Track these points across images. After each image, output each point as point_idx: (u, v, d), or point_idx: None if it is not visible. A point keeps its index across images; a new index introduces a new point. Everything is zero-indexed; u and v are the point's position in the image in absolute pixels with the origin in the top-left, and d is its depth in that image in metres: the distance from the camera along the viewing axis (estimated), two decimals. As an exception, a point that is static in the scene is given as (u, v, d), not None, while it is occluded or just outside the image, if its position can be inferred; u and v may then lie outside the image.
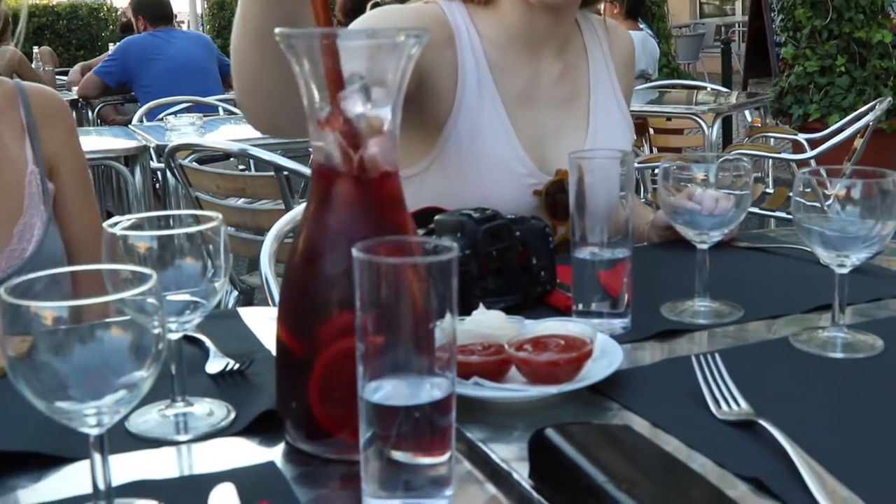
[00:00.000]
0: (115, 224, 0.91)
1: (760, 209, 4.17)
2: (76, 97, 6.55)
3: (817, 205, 1.10)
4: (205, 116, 4.75)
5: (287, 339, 0.86)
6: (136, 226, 0.92)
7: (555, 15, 1.61)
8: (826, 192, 1.10)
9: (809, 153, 4.33)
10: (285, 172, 2.65)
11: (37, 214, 1.61)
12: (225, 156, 4.08)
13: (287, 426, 0.88)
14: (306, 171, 2.69)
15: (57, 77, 8.62)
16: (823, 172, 1.11)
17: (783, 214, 4.16)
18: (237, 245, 3.03)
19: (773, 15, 8.31)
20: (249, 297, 3.73)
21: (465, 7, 1.62)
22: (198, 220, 0.93)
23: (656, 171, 1.36)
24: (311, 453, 0.87)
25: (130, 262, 0.89)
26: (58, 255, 1.63)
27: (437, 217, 1.25)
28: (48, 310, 0.68)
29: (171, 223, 0.94)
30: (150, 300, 0.71)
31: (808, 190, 1.10)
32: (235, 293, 3.19)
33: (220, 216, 0.92)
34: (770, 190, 4.39)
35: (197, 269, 0.91)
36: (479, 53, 1.58)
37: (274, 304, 1.69)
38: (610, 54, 1.75)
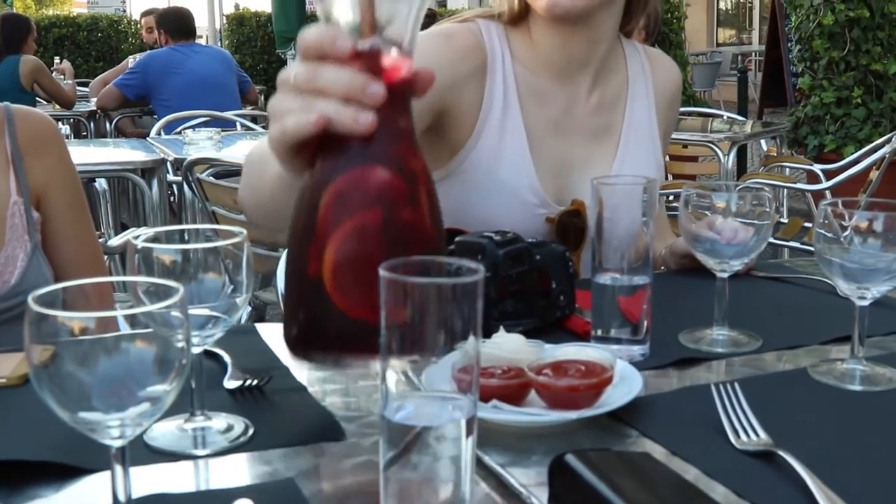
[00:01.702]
0: (138, 237, 0.91)
1: (774, 238, 4.16)
2: (95, 108, 6.59)
3: (839, 237, 1.10)
4: (222, 131, 4.78)
5: (298, 236, 0.85)
6: (157, 239, 0.93)
7: (585, 38, 1.57)
8: (847, 224, 1.10)
9: (825, 184, 4.32)
10: (303, 189, 2.65)
11: (20, 246, 1.59)
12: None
13: (303, 341, 0.86)
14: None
15: (78, 88, 8.68)
16: (844, 205, 1.11)
17: (797, 244, 4.16)
18: (252, 261, 3.04)
19: (789, 45, 8.31)
20: (262, 312, 3.74)
21: (503, 28, 1.59)
22: (219, 234, 0.94)
23: (670, 197, 1.36)
24: (331, 363, 0.88)
25: (153, 275, 0.89)
26: (45, 285, 1.62)
27: (457, 238, 1.25)
28: (76, 320, 0.68)
29: (193, 237, 0.95)
30: (176, 314, 0.71)
31: (830, 222, 1.10)
32: (248, 308, 3.20)
33: (245, 231, 0.93)
34: (784, 220, 4.39)
35: (219, 284, 0.91)
36: (510, 79, 1.56)
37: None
38: (652, 87, 1.70)
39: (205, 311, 0.91)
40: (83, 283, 0.76)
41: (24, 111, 1.68)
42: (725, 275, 1.25)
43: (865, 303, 1.11)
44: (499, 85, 1.55)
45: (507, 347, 1.01)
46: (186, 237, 0.95)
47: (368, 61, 0.83)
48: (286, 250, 0.90)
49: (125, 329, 0.69)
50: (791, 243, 4.17)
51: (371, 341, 0.72)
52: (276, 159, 0.91)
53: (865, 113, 6.39)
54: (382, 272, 0.69)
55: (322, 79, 0.83)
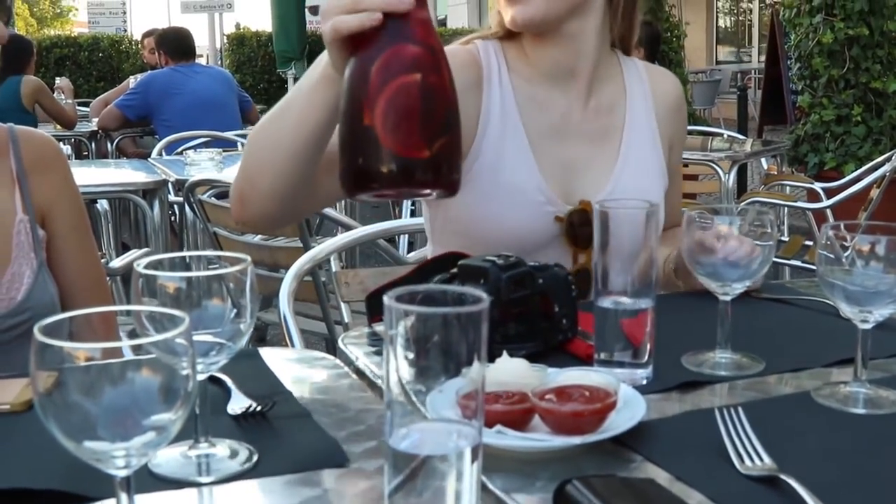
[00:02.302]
0: (142, 264, 0.91)
1: (775, 257, 4.16)
2: (96, 128, 6.61)
3: (841, 260, 1.10)
4: (224, 151, 4.79)
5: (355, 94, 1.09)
6: (161, 265, 0.93)
7: (569, 49, 1.65)
8: (849, 246, 1.10)
9: (825, 202, 4.33)
10: (304, 210, 2.66)
11: (26, 263, 1.61)
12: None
13: (361, 178, 1.09)
14: (325, 210, 2.70)
15: (78, 108, 8.70)
16: (847, 228, 1.11)
17: (798, 263, 4.16)
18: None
19: (789, 63, 8.33)
20: (263, 333, 3.73)
21: (500, 45, 1.69)
22: (223, 260, 0.94)
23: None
24: (383, 194, 1.10)
25: (157, 302, 0.89)
26: (50, 302, 1.63)
27: (460, 262, 1.25)
28: (81, 350, 0.69)
29: (196, 263, 0.95)
30: (181, 341, 0.71)
31: (832, 244, 1.10)
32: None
33: (249, 258, 0.93)
34: (785, 238, 4.38)
35: (224, 310, 0.92)
36: (508, 90, 1.65)
37: (293, 346, 1.70)
38: (651, 95, 1.76)
39: (209, 338, 0.92)
40: (89, 312, 0.76)
41: (28, 132, 1.70)
42: (728, 298, 1.25)
43: (868, 326, 1.12)
44: (496, 95, 1.64)
45: (511, 372, 1.02)
46: (190, 262, 0.96)
47: None
48: (341, 115, 1.12)
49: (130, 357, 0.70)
50: (792, 261, 4.17)
51: (413, 175, 1.08)
52: (329, 58, 1.21)
53: (865, 131, 6.40)
54: (388, 301, 0.70)
55: None
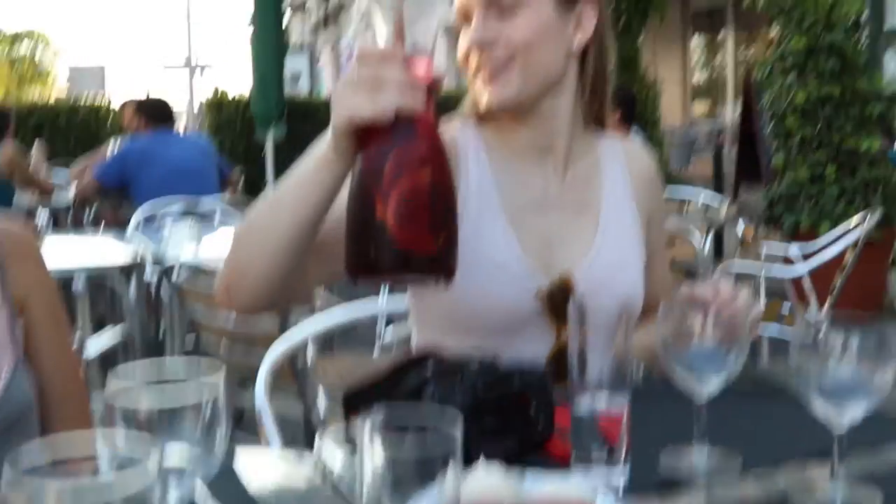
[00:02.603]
0: (114, 387, 0.91)
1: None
2: (74, 196, 6.60)
3: (815, 360, 1.11)
4: (201, 221, 4.79)
5: (363, 195, 1.17)
6: (135, 392, 0.92)
7: (544, 127, 1.69)
8: (823, 346, 1.11)
9: (802, 267, 4.36)
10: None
11: (4, 356, 1.59)
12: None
13: (368, 267, 1.17)
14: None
15: (54, 169, 8.68)
16: (821, 326, 1.12)
17: (776, 335, 4.18)
18: (230, 363, 3.02)
19: (763, 119, 8.42)
20: (239, 417, 3.69)
21: (478, 123, 1.73)
22: (196, 367, 0.94)
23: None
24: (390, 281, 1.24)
25: (128, 425, 0.89)
26: (28, 396, 1.60)
27: (436, 364, 1.25)
28: (53, 491, 0.68)
29: (171, 383, 0.95)
30: (152, 469, 0.71)
31: (806, 345, 1.11)
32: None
33: (223, 368, 0.93)
34: (762, 302, 4.40)
35: (195, 435, 0.91)
36: (485, 168, 1.68)
37: (270, 443, 1.68)
38: (627, 170, 1.79)
39: (182, 462, 0.91)
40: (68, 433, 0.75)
41: (2, 225, 1.69)
42: (704, 396, 1.25)
43: (843, 430, 1.12)
44: (473, 173, 1.67)
45: (486, 485, 1.01)
46: (163, 375, 0.95)
47: (410, 62, 1.19)
48: (351, 204, 1.19)
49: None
50: (770, 326, 4.19)
51: (420, 266, 1.16)
52: (333, 143, 1.26)
53: (839, 190, 6.46)
54: (361, 424, 0.71)
55: (386, 73, 1.18)
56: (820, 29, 6.38)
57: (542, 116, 1.68)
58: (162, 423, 0.89)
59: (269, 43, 9.68)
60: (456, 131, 1.71)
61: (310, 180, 1.34)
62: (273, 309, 1.61)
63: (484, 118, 1.72)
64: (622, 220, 1.74)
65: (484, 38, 1.59)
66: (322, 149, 1.32)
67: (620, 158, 1.79)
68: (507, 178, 1.68)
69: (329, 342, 3.62)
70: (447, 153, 1.62)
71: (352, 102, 1.20)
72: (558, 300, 1.62)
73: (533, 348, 1.61)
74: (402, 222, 1.14)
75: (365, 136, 1.20)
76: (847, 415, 1.12)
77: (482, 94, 1.63)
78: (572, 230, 1.70)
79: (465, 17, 1.62)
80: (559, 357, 1.50)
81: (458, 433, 0.71)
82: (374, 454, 0.75)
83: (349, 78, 1.21)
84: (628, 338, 1.18)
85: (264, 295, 1.41)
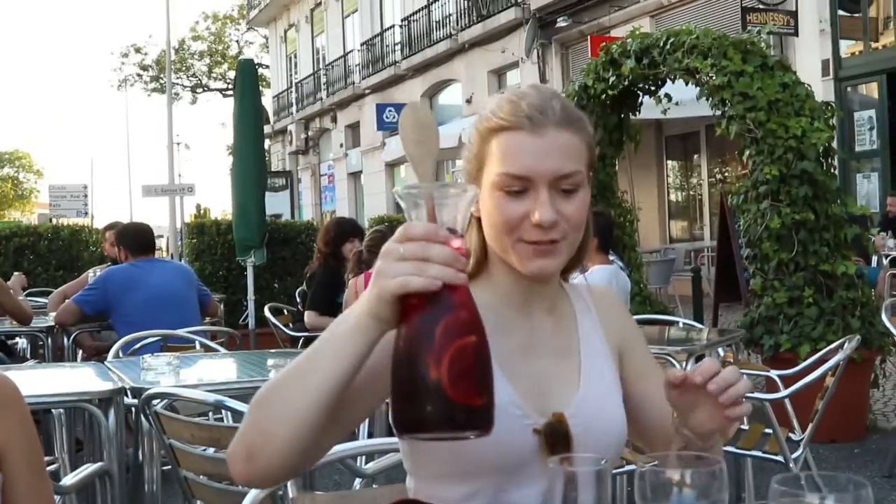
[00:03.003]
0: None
1: (735, 448, 4.17)
2: (53, 323, 6.57)
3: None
4: (181, 349, 4.78)
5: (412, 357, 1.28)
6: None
7: (541, 281, 1.73)
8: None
9: (783, 392, 4.37)
10: (261, 424, 2.64)
11: None
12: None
13: (424, 424, 1.27)
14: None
15: (35, 299, 8.67)
16: (799, 484, 1.12)
17: (759, 454, 4.16)
18: (209, 494, 2.99)
19: (740, 242, 8.53)
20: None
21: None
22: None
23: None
24: (446, 436, 1.28)
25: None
26: None
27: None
28: None
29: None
30: None
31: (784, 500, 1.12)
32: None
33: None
34: (745, 426, 4.40)
35: None
36: None
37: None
38: (595, 313, 1.83)
39: None
40: None
41: None
42: None
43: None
44: None
45: None
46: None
47: (446, 239, 1.32)
48: (403, 366, 1.30)
49: None
50: (753, 453, 4.18)
51: (472, 420, 1.29)
52: (374, 310, 1.35)
53: (818, 312, 6.51)
54: None
55: (432, 252, 1.30)
56: (791, 157, 6.51)
57: (540, 279, 1.72)
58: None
59: (250, 172, 9.83)
60: None
61: (343, 346, 1.39)
62: (284, 481, 1.61)
63: (477, 276, 1.76)
64: (599, 362, 1.78)
65: (553, 219, 1.61)
66: (356, 316, 1.38)
67: (588, 302, 1.85)
68: (495, 327, 1.64)
69: (310, 474, 3.60)
70: None
71: (402, 274, 1.30)
72: (555, 436, 1.64)
73: (528, 490, 1.62)
74: (456, 381, 1.26)
75: (409, 304, 1.32)
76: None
77: (532, 261, 1.66)
78: (558, 374, 1.73)
79: (524, 183, 1.64)
80: None
81: None
82: None
83: (395, 252, 1.32)
84: (609, 488, 1.18)
85: (288, 463, 1.42)
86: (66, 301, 6.29)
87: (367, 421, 4.13)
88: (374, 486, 2.57)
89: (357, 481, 2.70)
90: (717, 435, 1.58)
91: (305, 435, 1.39)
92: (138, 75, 45.03)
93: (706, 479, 1.26)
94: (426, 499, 1.65)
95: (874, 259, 11.01)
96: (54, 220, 16.03)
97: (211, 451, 3.06)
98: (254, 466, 1.42)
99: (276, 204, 20.09)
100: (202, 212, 41.52)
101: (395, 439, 1.80)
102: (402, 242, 1.33)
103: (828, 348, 4.94)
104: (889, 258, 11.24)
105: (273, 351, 5.75)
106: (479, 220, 1.74)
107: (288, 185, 22.59)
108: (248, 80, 10.12)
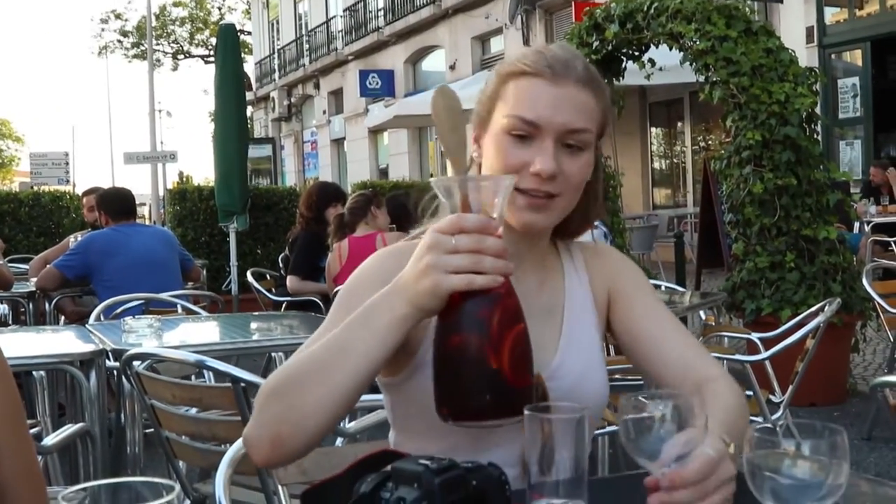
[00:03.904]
0: (73, 496, 0.90)
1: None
2: (34, 288, 6.55)
3: (769, 462, 1.12)
4: (162, 313, 4.77)
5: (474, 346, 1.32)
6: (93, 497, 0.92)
7: (531, 236, 1.71)
8: (777, 449, 1.12)
9: (763, 354, 4.39)
10: (242, 384, 2.64)
11: None
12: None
13: (484, 411, 1.31)
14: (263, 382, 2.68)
15: (17, 265, 8.63)
16: (775, 432, 1.13)
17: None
18: (191, 454, 2.99)
19: (722, 207, 8.53)
20: (202, 501, 3.65)
21: None
22: (153, 489, 0.93)
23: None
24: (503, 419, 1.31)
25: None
26: None
27: (394, 465, 1.25)
28: None
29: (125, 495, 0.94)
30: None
31: (761, 448, 1.12)
32: (188, 502, 3.13)
33: (176, 489, 0.92)
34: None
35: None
36: None
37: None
38: (584, 267, 1.82)
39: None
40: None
41: None
42: None
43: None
44: None
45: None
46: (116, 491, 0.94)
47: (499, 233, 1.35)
48: (458, 357, 1.34)
49: None
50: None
51: (527, 401, 1.29)
52: (421, 302, 1.36)
53: (799, 277, 6.53)
54: None
55: (487, 245, 1.32)
56: (774, 123, 6.51)
57: (531, 232, 1.70)
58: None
59: (232, 138, 9.78)
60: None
61: (383, 338, 1.40)
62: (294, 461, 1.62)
63: None
64: (583, 322, 1.76)
65: (553, 170, 1.60)
66: (395, 308, 1.40)
67: (577, 259, 1.82)
68: None
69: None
70: None
71: (461, 270, 1.32)
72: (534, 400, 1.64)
73: (507, 447, 1.62)
74: (515, 369, 1.31)
75: (458, 295, 1.33)
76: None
77: (522, 214, 1.65)
78: (540, 333, 1.68)
79: (532, 129, 1.63)
80: None
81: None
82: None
83: (447, 244, 1.33)
84: (584, 445, 1.18)
85: (314, 445, 1.46)
86: (48, 266, 6.26)
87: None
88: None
89: (339, 441, 2.71)
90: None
91: (335, 422, 1.44)
92: (119, 42, 44.67)
93: (685, 413, 1.26)
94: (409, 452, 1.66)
95: (856, 226, 11.06)
96: (36, 188, 15.89)
97: (193, 411, 3.06)
98: (280, 452, 1.44)
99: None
100: (184, 179, 41.22)
101: (377, 396, 1.80)
102: (454, 234, 1.33)
103: (808, 311, 4.96)
104: (871, 225, 11.28)
105: (256, 314, 5.74)
106: (479, 166, 1.73)
107: (271, 152, 22.48)
108: (229, 46, 10.07)
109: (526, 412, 1.16)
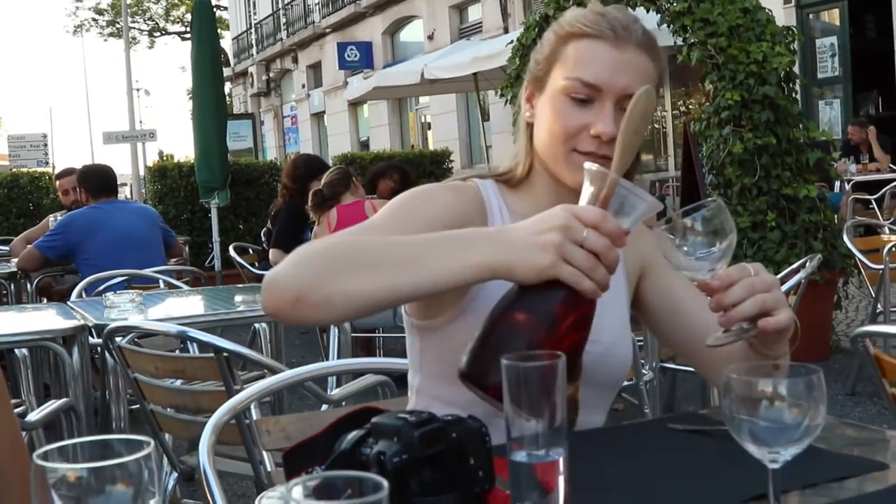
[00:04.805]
0: (44, 455, 0.90)
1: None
2: (15, 270, 6.52)
3: (746, 405, 1.12)
4: (145, 289, 4.75)
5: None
6: (65, 454, 0.92)
7: (570, 199, 1.69)
8: (754, 391, 1.12)
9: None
10: (225, 354, 2.64)
11: None
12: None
13: None
14: (246, 352, 2.68)
15: (-3, 247, 8.58)
16: (749, 373, 1.13)
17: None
18: (176, 426, 2.99)
19: (703, 170, 8.54)
20: (190, 476, 3.66)
21: (497, 186, 1.77)
22: (129, 445, 0.93)
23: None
24: None
25: (59, 492, 0.88)
26: None
27: (373, 420, 1.25)
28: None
29: (99, 450, 0.94)
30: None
31: (738, 391, 1.12)
32: (175, 474, 3.13)
33: (151, 443, 0.92)
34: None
35: (127, 496, 0.90)
36: None
37: (213, 502, 1.67)
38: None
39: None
40: None
41: None
42: (777, 465, 1.15)
43: (777, 465, 1.13)
44: None
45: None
46: (91, 449, 0.94)
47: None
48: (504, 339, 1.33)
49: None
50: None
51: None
52: (509, 269, 1.34)
53: (780, 236, 6.55)
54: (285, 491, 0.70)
55: (610, 256, 1.31)
56: (753, 82, 6.51)
57: (575, 195, 1.69)
58: (90, 487, 0.88)
59: (210, 114, 9.73)
60: (478, 187, 1.75)
61: (464, 268, 1.37)
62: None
63: (507, 181, 1.77)
64: (616, 295, 1.75)
65: (613, 134, 1.59)
66: (494, 254, 1.36)
67: None
68: None
69: (280, 404, 3.61)
70: (477, 207, 1.72)
71: (577, 266, 1.30)
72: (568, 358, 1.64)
73: None
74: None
75: (552, 280, 1.31)
76: (780, 458, 1.13)
77: (576, 171, 1.60)
78: None
79: (593, 92, 1.63)
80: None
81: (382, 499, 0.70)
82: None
83: (577, 233, 1.31)
84: (561, 393, 1.18)
85: (328, 322, 1.47)
86: (29, 247, 6.23)
87: (335, 342, 4.14)
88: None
89: (324, 408, 2.71)
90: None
91: (359, 316, 1.44)
92: (94, 20, 44.28)
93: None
94: (429, 398, 1.69)
95: (836, 184, 11.09)
96: (14, 171, 15.77)
97: (178, 383, 3.06)
98: (295, 311, 1.41)
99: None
100: (164, 158, 41.02)
101: (366, 360, 1.80)
102: (589, 227, 1.31)
103: (789, 268, 4.98)
104: (851, 183, 11.32)
105: (240, 286, 5.73)
106: (530, 126, 1.74)
107: (251, 128, 22.38)
108: (204, 21, 9.98)
109: (503, 361, 1.16)
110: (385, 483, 0.70)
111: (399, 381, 2.05)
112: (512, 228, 1.40)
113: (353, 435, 1.26)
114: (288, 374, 2.05)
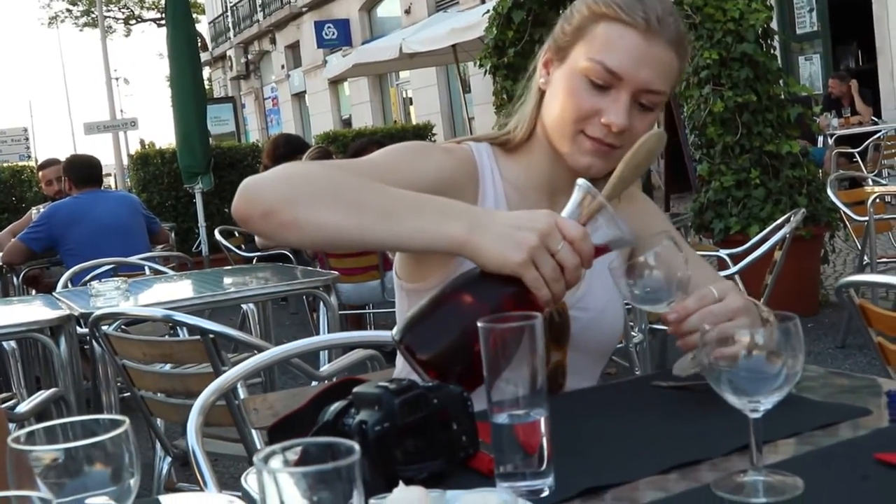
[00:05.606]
0: (20, 437, 0.90)
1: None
2: (1, 263, 6.49)
3: (724, 354, 1.13)
4: (131, 277, 4.73)
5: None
6: (42, 436, 0.92)
7: (567, 174, 1.70)
8: (731, 341, 1.13)
9: (732, 269, 4.42)
10: (211, 335, 2.63)
11: None
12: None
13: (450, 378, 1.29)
14: (233, 333, 2.67)
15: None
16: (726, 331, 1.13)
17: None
18: (167, 411, 2.99)
19: (686, 131, 8.53)
20: (185, 459, 3.66)
21: (492, 149, 1.77)
22: (106, 424, 0.93)
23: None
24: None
25: (37, 472, 0.88)
26: None
27: (355, 390, 1.25)
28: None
29: (77, 431, 0.94)
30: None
31: (714, 341, 1.13)
32: (169, 459, 3.13)
33: (127, 421, 0.92)
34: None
35: (106, 475, 0.90)
36: (501, 195, 1.72)
37: (204, 483, 1.67)
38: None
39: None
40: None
41: None
42: (758, 415, 1.14)
43: (758, 415, 1.13)
44: (490, 196, 1.71)
45: (407, 502, 1.01)
46: (68, 432, 0.94)
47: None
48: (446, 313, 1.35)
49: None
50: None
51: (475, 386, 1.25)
52: (474, 252, 1.34)
53: (765, 193, 6.56)
54: (257, 461, 0.70)
55: (575, 275, 1.33)
56: (731, 40, 6.49)
57: (585, 175, 1.66)
58: (68, 468, 0.88)
59: (190, 100, 9.67)
60: (472, 151, 1.75)
61: (432, 236, 1.38)
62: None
63: (503, 145, 1.77)
64: (604, 265, 1.74)
65: (624, 126, 1.60)
66: (466, 233, 1.36)
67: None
68: (518, 206, 1.70)
69: (271, 382, 3.62)
70: (469, 172, 1.72)
71: (544, 273, 1.31)
72: (554, 326, 1.67)
73: (513, 371, 1.62)
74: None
75: (510, 276, 1.32)
76: (761, 407, 1.13)
77: (584, 157, 1.66)
78: None
79: (613, 80, 1.61)
80: (550, 377, 1.60)
81: (355, 464, 0.70)
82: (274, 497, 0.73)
83: (554, 242, 1.32)
84: (539, 354, 1.18)
85: (292, 244, 1.50)
86: (13, 240, 6.22)
87: (324, 321, 4.13)
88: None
89: (313, 384, 2.71)
90: None
91: (325, 247, 1.46)
92: (68, 10, 43.94)
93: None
94: None
95: (820, 140, 11.11)
96: (-3, 167, 15.67)
97: (167, 367, 3.06)
98: (263, 222, 1.43)
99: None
100: (146, 146, 40.86)
101: (352, 334, 1.80)
102: (566, 240, 1.32)
103: (774, 224, 5.00)
104: (834, 137, 11.34)
105: (226, 268, 5.71)
106: (542, 92, 1.73)
107: (232, 112, 22.26)
108: (179, 7, 9.91)
109: (479, 324, 1.16)
110: (356, 447, 0.70)
111: (389, 355, 2.05)
112: (496, 214, 1.40)
113: (335, 406, 1.26)
114: (274, 352, 2.04)
